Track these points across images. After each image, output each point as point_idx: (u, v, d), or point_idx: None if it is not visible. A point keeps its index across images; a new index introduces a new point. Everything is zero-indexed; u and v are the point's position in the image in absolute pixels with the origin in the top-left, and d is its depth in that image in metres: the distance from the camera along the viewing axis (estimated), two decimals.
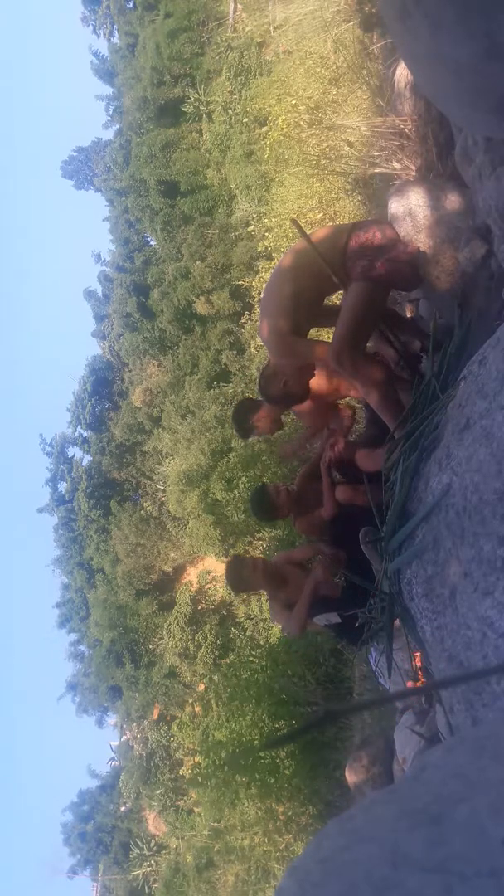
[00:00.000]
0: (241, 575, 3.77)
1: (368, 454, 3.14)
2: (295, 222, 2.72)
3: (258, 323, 3.46)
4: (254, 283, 15.69)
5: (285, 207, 10.02)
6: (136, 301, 22.42)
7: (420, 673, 3.31)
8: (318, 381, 3.44)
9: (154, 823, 22.63)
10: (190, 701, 19.39)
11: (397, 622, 2.17)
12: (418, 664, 3.23)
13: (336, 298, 3.38)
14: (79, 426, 26.77)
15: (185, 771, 18.74)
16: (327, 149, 7.07)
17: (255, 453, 12.59)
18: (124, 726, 25.23)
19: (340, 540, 3.54)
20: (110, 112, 29.70)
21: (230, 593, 17.57)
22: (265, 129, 10.83)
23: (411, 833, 0.59)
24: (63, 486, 26.97)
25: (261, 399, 3.54)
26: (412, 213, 2.82)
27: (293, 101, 8.54)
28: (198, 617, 19.34)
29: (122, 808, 25.18)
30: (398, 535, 2.01)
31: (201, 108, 20.42)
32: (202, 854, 14.06)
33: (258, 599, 16.18)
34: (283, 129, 8.73)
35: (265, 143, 10.83)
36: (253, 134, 14.80)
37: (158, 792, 20.03)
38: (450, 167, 2.93)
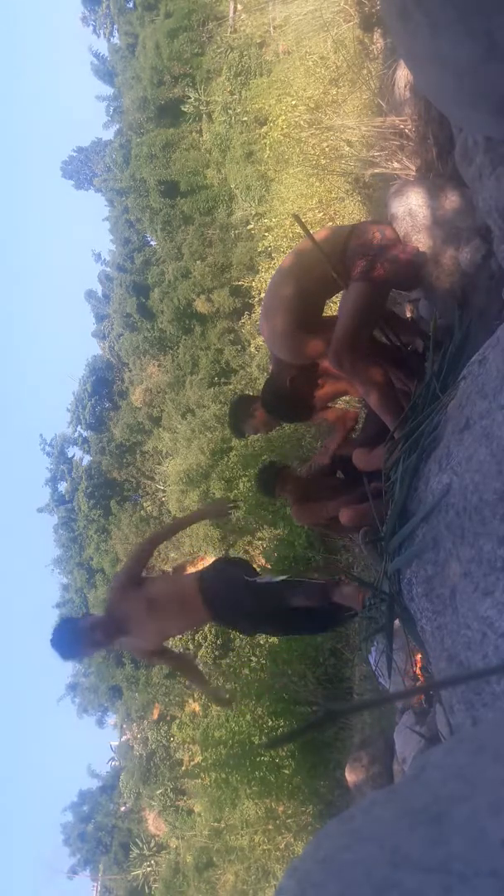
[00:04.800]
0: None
1: (365, 454, 3.14)
2: (297, 218, 2.71)
3: (259, 323, 3.46)
4: (254, 283, 15.69)
5: (285, 207, 10.02)
6: (136, 301, 22.41)
7: (420, 674, 3.32)
8: (322, 387, 3.44)
9: (154, 823, 22.61)
10: (190, 700, 19.37)
11: (397, 622, 2.18)
12: (418, 665, 3.24)
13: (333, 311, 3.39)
14: (79, 426, 26.75)
15: (184, 770, 18.73)
16: (327, 149, 7.07)
17: (256, 453, 12.58)
18: (124, 726, 25.20)
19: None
20: (110, 112, 29.67)
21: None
22: (265, 129, 10.83)
23: (411, 833, 0.59)
24: (63, 486, 26.96)
25: (257, 396, 3.53)
26: (412, 213, 2.82)
27: (293, 101, 8.56)
28: None
29: (122, 808, 25.16)
30: (398, 535, 2.01)
31: (201, 108, 20.41)
32: (202, 854, 14.05)
33: None
34: (282, 129, 8.74)
35: (265, 143, 10.84)
36: (253, 134, 14.79)
37: (158, 792, 20.00)
38: (450, 167, 2.92)
